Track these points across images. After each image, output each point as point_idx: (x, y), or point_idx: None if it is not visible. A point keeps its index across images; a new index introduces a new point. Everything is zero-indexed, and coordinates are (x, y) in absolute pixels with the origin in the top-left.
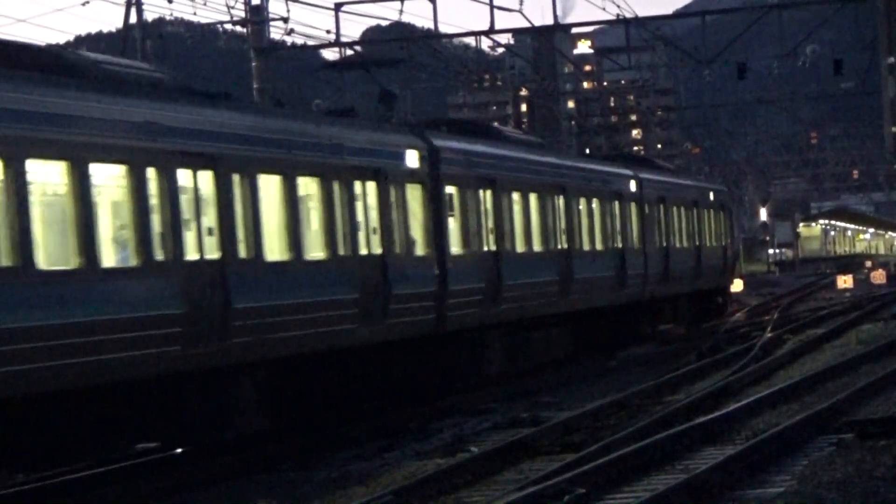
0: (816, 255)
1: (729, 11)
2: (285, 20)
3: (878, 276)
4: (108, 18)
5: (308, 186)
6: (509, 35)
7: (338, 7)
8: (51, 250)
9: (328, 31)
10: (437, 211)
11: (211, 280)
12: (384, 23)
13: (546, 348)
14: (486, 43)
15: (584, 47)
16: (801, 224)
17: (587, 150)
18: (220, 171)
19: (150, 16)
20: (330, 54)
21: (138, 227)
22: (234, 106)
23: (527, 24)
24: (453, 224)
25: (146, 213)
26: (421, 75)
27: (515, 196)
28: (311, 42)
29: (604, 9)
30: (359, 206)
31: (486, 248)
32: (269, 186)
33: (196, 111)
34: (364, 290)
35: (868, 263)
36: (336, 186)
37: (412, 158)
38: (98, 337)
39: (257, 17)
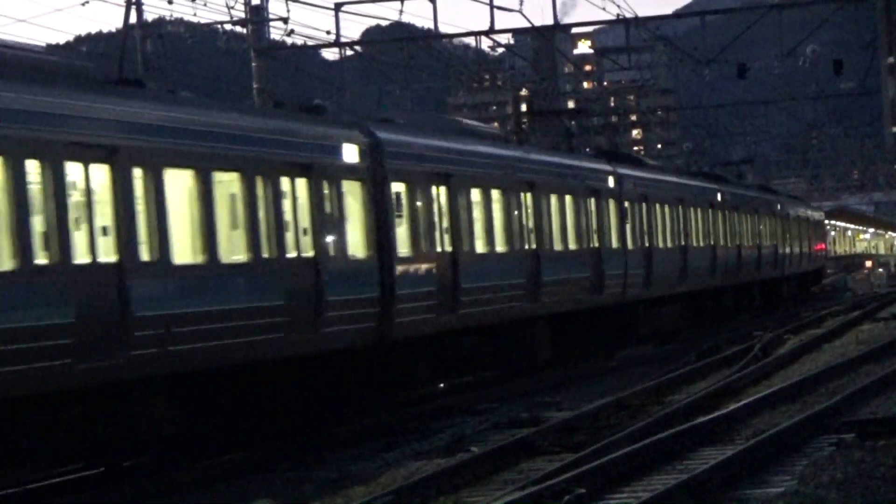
0: None
1: (729, 11)
2: (285, 20)
3: (879, 276)
4: (108, 18)
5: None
6: (509, 35)
7: (338, 7)
8: None
9: (328, 32)
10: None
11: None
12: (384, 23)
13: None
14: (486, 43)
15: (584, 47)
16: None
17: (587, 150)
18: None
19: (150, 16)
20: (330, 54)
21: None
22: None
23: (527, 24)
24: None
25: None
26: (421, 75)
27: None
28: (311, 42)
29: (604, 9)
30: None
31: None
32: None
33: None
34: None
35: (868, 263)
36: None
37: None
38: None
39: (257, 17)
